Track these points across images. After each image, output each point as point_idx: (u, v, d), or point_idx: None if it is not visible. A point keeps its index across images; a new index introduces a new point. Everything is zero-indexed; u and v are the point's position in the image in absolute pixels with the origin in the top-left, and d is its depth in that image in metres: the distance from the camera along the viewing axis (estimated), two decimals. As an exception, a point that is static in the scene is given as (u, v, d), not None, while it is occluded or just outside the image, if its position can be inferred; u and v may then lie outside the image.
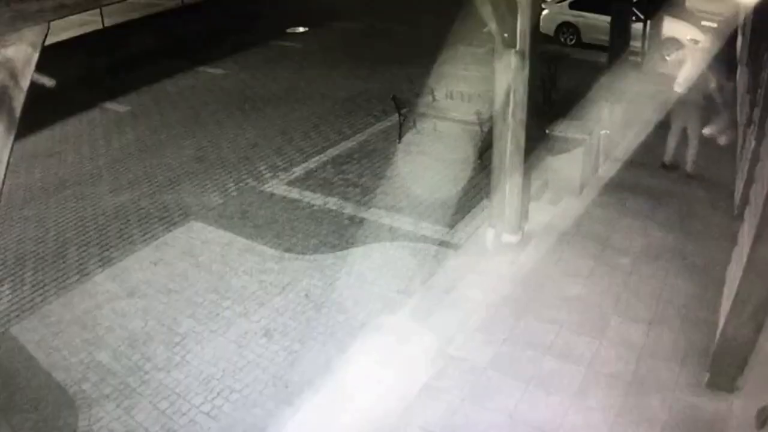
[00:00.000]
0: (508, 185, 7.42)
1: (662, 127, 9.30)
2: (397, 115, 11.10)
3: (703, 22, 14.96)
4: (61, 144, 12.30)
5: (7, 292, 7.75)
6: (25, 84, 2.79)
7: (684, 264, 7.15)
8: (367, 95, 13.45)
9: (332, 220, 8.78)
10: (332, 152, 10.94)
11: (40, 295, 7.63)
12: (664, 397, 5.48)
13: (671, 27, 14.15)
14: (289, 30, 19.51)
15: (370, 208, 8.99)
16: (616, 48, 10.63)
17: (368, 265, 7.71)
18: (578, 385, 5.68)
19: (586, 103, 9.59)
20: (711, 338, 5.83)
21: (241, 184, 10.03)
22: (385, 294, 7.17)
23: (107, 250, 8.46)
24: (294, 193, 9.58)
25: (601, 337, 6.20)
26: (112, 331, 6.95)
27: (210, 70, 16.26)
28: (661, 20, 13.53)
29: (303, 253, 8.05)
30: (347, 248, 8.09)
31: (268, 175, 10.26)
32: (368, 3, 20.77)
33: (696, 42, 14.33)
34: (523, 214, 7.72)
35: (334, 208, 9.08)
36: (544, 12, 16.07)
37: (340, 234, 8.42)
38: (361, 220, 8.69)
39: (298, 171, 10.33)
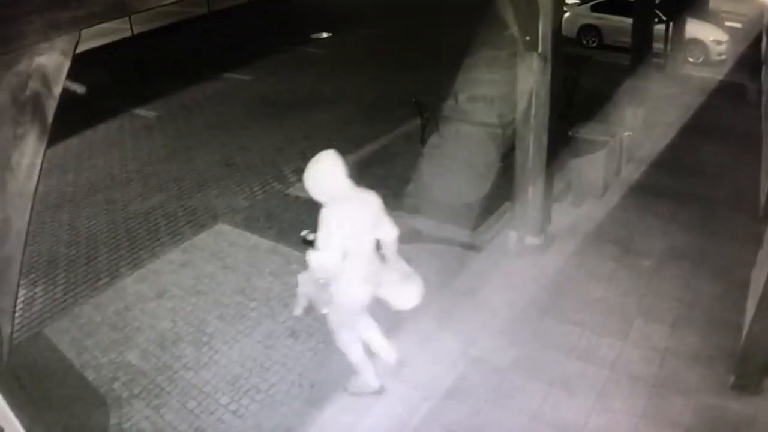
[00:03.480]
0: (531, 187, 7.45)
1: (685, 129, 9.24)
2: (419, 118, 11.17)
3: (727, 23, 14.83)
4: (92, 149, 12.55)
5: (41, 293, 7.95)
6: (57, 91, 2.87)
7: (708, 266, 7.13)
8: (390, 99, 13.54)
9: (356, 222, 8.85)
10: (356, 156, 11.04)
11: (72, 296, 7.82)
12: (689, 400, 5.47)
13: (694, 28, 14.06)
14: (313, 36, 19.67)
15: (392, 210, 9.00)
16: (639, 50, 10.59)
17: (391, 268, 7.78)
18: (601, 387, 5.70)
19: (608, 105, 9.59)
20: (736, 340, 5.80)
21: (266, 188, 10.17)
22: (409, 296, 7.22)
23: (137, 252, 8.64)
24: (318, 197, 9.68)
25: (624, 339, 6.21)
26: (141, 331, 7.11)
27: (236, 75, 16.47)
28: (684, 21, 13.44)
29: (327, 256, 8.13)
30: (371, 250, 8.16)
31: (294, 178, 10.39)
32: (391, 8, 20.88)
33: (719, 43, 14.22)
34: (546, 217, 7.75)
35: (357, 211, 9.15)
36: (566, 15, 16.04)
37: (363, 236, 8.49)
38: (385, 223, 8.76)
39: (323, 174, 10.42)
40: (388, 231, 4.92)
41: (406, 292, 5.09)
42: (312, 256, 4.63)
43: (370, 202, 4.79)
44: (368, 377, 5.59)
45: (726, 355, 5.81)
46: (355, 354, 5.43)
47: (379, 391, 5.64)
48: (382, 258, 4.99)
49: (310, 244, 4.73)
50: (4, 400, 2.17)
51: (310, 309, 5.16)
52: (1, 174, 2.80)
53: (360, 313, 5.19)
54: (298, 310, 5.14)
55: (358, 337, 5.40)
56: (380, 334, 5.53)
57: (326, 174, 4.59)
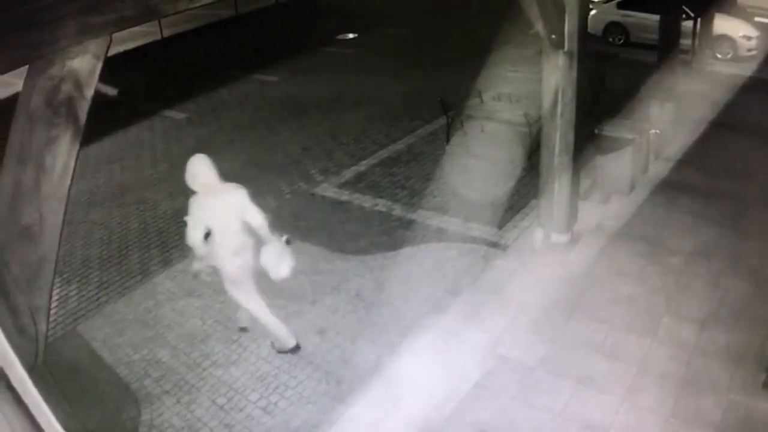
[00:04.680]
0: (557, 185, 7.43)
1: (713, 126, 9.13)
2: (444, 117, 11.18)
3: (757, 18, 14.57)
4: (123, 151, 12.77)
5: (74, 292, 8.12)
6: (89, 94, 2.94)
7: (737, 263, 7.04)
8: (415, 98, 13.56)
9: (381, 221, 8.92)
10: (381, 155, 11.09)
11: (105, 294, 7.98)
12: (718, 398, 5.42)
13: (723, 24, 13.83)
14: (339, 36, 19.77)
15: (418, 209, 9.10)
16: (666, 47, 10.47)
17: (417, 266, 7.82)
18: (629, 385, 5.67)
19: (635, 102, 9.50)
20: (767, 338, 5.74)
21: (294, 187, 10.27)
22: (434, 294, 7.26)
23: (167, 251, 8.78)
24: (344, 196, 9.77)
25: (652, 337, 6.17)
26: (171, 329, 7.24)
27: (263, 77, 16.62)
28: (712, 17, 13.24)
29: (353, 254, 8.21)
30: (396, 249, 8.22)
31: (320, 178, 10.47)
32: (416, 8, 20.89)
33: (749, 39, 13.99)
34: (572, 214, 7.72)
35: (383, 209, 9.22)
36: (592, 12, 15.89)
37: (389, 235, 8.55)
38: (410, 222, 8.81)
39: (348, 174, 10.51)
40: (254, 217, 5.92)
41: (279, 264, 6.04)
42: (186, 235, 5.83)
43: (234, 193, 5.89)
44: (281, 335, 6.47)
45: (756, 353, 5.75)
46: (262, 316, 6.37)
47: (296, 349, 6.53)
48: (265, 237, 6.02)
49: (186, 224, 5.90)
50: (39, 396, 2.24)
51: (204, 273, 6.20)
52: (35, 175, 2.88)
53: (242, 280, 6.13)
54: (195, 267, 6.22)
55: (256, 301, 6.31)
56: (267, 312, 6.37)
57: (196, 170, 5.75)
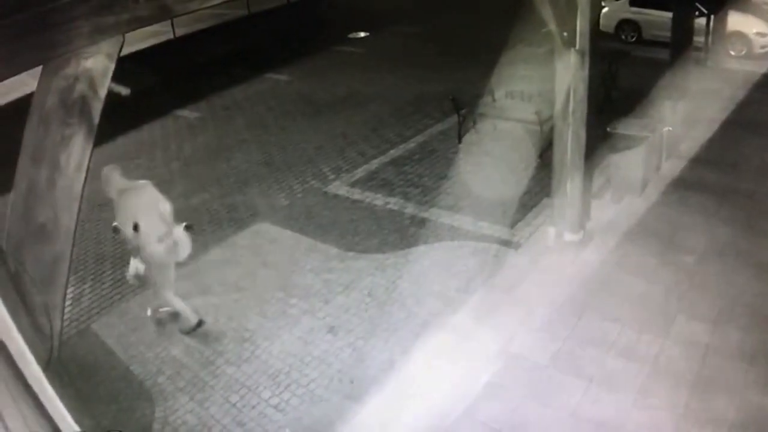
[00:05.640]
0: (569, 184, 7.41)
1: (727, 124, 9.05)
2: (456, 116, 11.17)
3: None
4: (136, 150, 12.85)
5: (89, 290, 8.19)
6: (102, 93, 2.98)
7: (751, 261, 6.99)
8: (426, 97, 13.55)
9: (393, 220, 8.93)
10: (393, 153, 11.10)
11: (119, 293, 8.04)
12: (732, 397, 5.39)
13: (737, 20, 13.69)
14: (350, 35, 19.78)
15: (430, 207, 9.10)
16: (679, 44, 10.38)
17: (429, 264, 7.82)
18: (641, 384, 5.65)
19: (647, 100, 9.45)
20: (781, 337, 5.71)
21: (305, 186, 10.30)
22: (446, 293, 7.26)
23: (180, 250, 8.82)
24: (356, 194, 9.79)
25: (665, 336, 6.14)
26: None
27: (275, 76, 16.67)
28: (725, 14, 13.11)
29: (365, 252, 8.23)
30: (408, 247, 8.22)
31: (332, 176, 10.50)
32: (428, 7, 20.86)
33: (763, 35, 13.86)
34: (585, 213, 7.69)
35: (395, 208, 9.23)
36: (604, 9, 15.78)
37: (401, 233, 8.56)
38: (422, 220, 8.82)
39: (360, 172, 10.53)
40: (165, 206, 6.76)
41: (181, 248, 6.90)
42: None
43: (147, 189, 6.76)
44: (187, 314, 7.04)
45: (770, 352, 5.71)
46: (172, 298, 7.01)
47: (199, 325, 7.06)
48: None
49: (116, 230, 6.95)
50: (54, 393, 2.25)
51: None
52: (50, 174, 2.91)
53: (167, 262, 6.85)
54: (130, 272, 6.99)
55: (171, 284, 7.03)
56: (174, 294, 7.05)
57: (110, 179, 6.70)
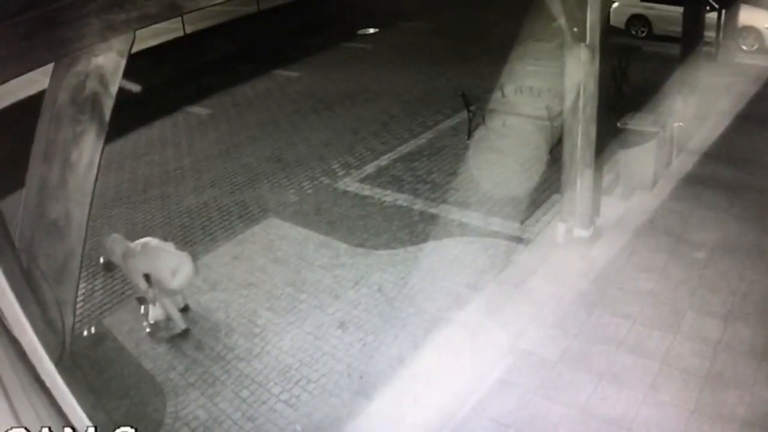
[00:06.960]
0: (580, 179, 7.38)
1: (738, 119, 8.97)
2: (466, 111, 11.15)
3: None
4: (147, 146, 12.93)
5: (100, 285, 8.25)
6: (113, 90, 3.00)
7: (762, 258, 6.93)
8: (436, 93, 13.53)
9: (403, 216, 8.93)
10: (402, 150, 11.10)
11: (130, 288, 8.08)
12: (742, 393, 5.35)
13: (748, 15, 13.56)
14: (360, 32, 19.77)
15: (440, 204, 9.10)
16: (689, 39, 10.28)
17: (438, 260, 7.82)
18: (652, 380, 5.61)
19: (658, 95, 9.39)
20: (792, 334, 5.67)
21: (315, 182, 10.32)
22: (456, 288, 7.27)
23: (191, 246, 8.86)
24: (366, 190, 9.79)
25: (676, 332, 6.10)
26: (195, 322, 7.33)
27: (285, 72, 16.69)
28: (737, 8, 12.99)
29: (375, 248, 8.24)
30: (418, 243, 8.23)
31: (341, 173, 10.51)
32: (437, 2, 20.79)
33: None
34: (595, 209, 7.66)
35: (404, 204, 9.23)
36: (615, 5, 15.69)
37: (410, 229, 8.56)
38: (432, 216, 8.81)
39: (370, 168, 10.53)
40: (169, 247, 7.06)
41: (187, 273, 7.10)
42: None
43: (148, 241, 6.97)
44: (177, 321, 7.19)
45: (782, 348, 5.67)
46: (168, 307, 7.18)
47: (185, 333, 7.18)
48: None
49: (108, 267, 7.26)
50: (66, 388, 2.28)
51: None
52: (61, 170, 2.94)
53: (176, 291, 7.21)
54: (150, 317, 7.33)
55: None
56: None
57: (114, 248, 6.85)
